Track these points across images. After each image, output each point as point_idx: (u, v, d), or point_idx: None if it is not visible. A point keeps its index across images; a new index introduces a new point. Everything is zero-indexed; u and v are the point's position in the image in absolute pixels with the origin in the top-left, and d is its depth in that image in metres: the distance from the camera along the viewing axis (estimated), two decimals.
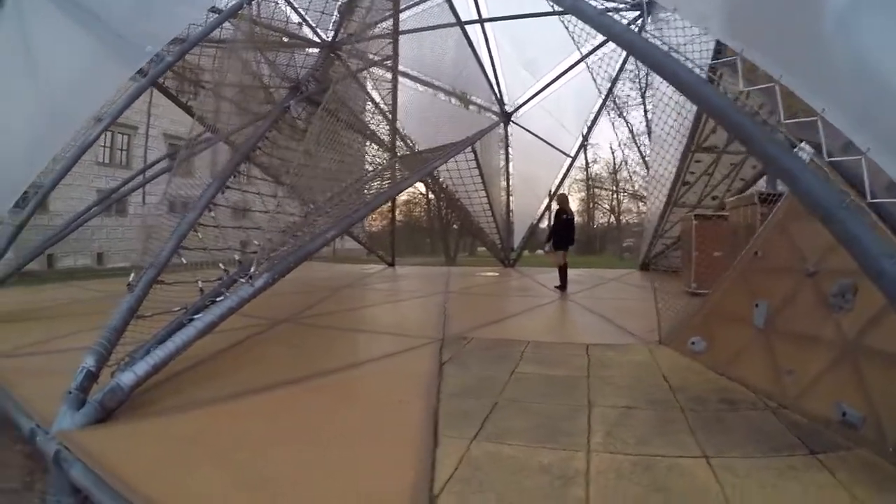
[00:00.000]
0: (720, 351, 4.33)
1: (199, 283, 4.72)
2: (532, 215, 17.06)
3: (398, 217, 25.94)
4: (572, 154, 16.77)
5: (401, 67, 13.91)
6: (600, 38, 11.81)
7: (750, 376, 3.82)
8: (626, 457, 2.68)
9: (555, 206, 10.44)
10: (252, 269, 4.62)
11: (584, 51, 12.95)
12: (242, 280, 4.64)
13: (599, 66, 13.37)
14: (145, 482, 2.44)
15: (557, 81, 15.35)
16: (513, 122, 16.15)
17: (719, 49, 5.10)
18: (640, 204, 28.26)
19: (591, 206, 35.92)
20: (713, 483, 2.37)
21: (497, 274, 14.42)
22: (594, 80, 13.78)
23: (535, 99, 15.77)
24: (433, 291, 10.16)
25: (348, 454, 2.83)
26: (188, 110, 11.31)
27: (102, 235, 19.07)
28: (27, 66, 5.95)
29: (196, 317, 4.15)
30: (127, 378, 3.43)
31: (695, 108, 9.16)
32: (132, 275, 4.24)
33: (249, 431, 3.20)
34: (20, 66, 6.00)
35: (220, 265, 5.20)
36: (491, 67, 15.45)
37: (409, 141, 14.55)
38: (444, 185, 15.02)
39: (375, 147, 12.41)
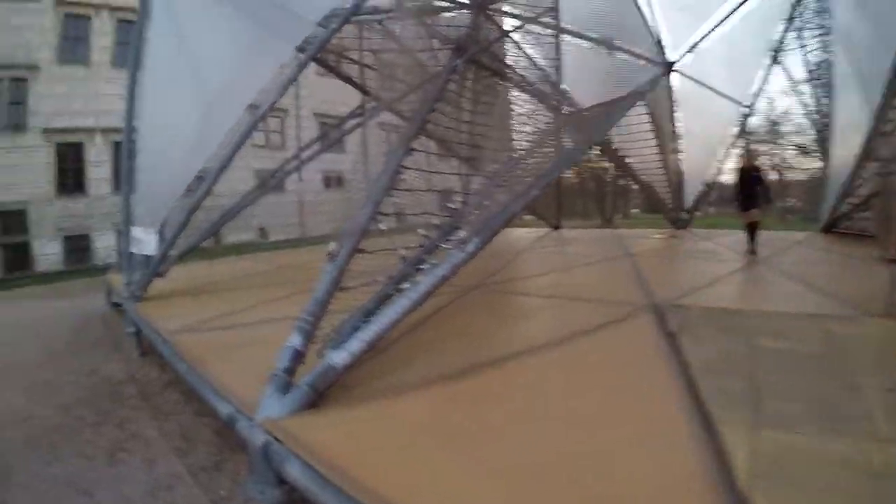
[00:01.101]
0: None
1: (401, 250, 4.18)
2: (703, 172, 15.27)
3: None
4: (748, 103, 14.67)
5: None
6: None
7: None
8: None
9: (740, 163, 9.55)
10: (463, 234, 4.06)
11: None
12: (448, 246, 4.16)
13: None
14: (374, 477, 2.06)
15: (724, 23, 13.36)
16: (676, 70, 14.35)
17: None
18: (806, 159, 24.70)
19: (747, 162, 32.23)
20: None
21: (672, 236, 13.19)
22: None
23: (699, 45, 13.79)
24: (613, 255, 9.36)
25: (607, 438, 2.40)
26: (352, 83, 11.01)
27: (263, 211, 19.67)
28: (183, 56, 5.91)
29: (404, 286, 3.63)
30: (339, 357, 2.86)
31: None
32: (332, 244, 3.63)
33: (479, 413, 2.76)
34: (177, 57, 5.96)
35: (420, 231, 4.67)
36: (649, 12, 13.73)
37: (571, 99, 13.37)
38: (611, 143, 13.80)
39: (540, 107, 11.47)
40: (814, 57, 16.53)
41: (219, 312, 5.08)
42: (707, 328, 4.23)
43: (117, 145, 17.92)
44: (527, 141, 8.45)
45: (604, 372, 3.38)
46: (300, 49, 7.32)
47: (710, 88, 14.40)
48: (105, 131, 18.16)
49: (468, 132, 6.52)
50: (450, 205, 5.37)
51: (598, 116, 9.59)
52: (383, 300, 3.57)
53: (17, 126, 16.89)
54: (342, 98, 25.09)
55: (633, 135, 13.47)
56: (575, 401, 2.86)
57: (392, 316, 3.20)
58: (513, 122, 9.28)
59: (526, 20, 10.78)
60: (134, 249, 5.49)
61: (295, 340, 2.88)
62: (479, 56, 9.21)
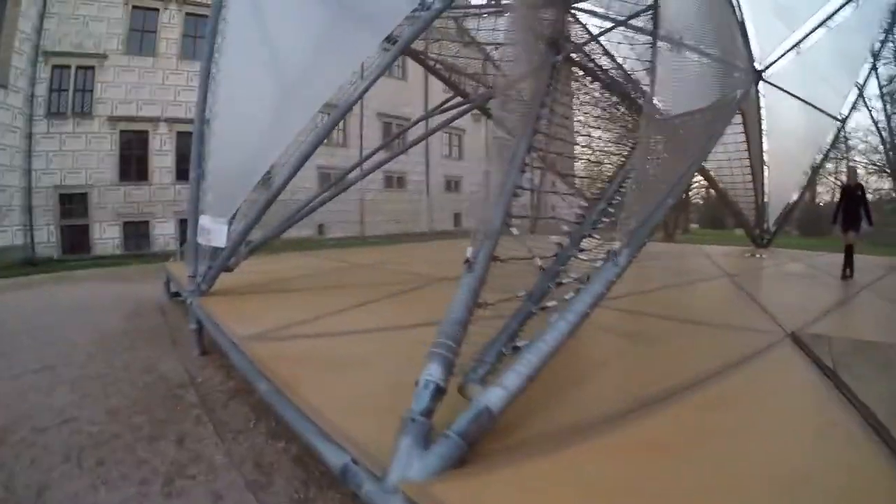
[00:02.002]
0: None
1: (538, 259, 3.48)
2: (787, 189, 14.32)
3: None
4: (841, 116, 13.59)
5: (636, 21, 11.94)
6: None
7: None
8: None
9: (843, 181, 8.99)
10: (616, 244, 3.23)
11: None
12: (583, 257, 3.64)
13: None
14: None
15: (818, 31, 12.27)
16: (764, 80, 13.27)
17: None
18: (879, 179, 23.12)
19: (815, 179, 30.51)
20: None
21: (756, 255, 12.38)
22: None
23: (790, 53, 12.78)
24: (709, 273, 8.75)
25: None
26: (443, 78, 10.42)
27: (323, 208, 19.58)
28: (261, 45, 5.41)
29: (548, 304, 2.98)
30: (496, 397, 2.07)
31: None
32: (469, 249, 2.87)
33: (671, 471, 2.03)
34: (254, 45, 5.45)
35: (553, 238, 3.99)
36: (738, 17, 12.77)
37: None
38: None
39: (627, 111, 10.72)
40: (887, 70, 15.31)
41: (295, 318, 4.27)
42: (866, 364, 3.58)
43: (181, 135, 18.09)
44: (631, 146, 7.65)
45: (775, 417, 2.71)
46: (390, 40, 6.89)
47: (801, 99, 13.36)
48: (170, 121, 18.34)
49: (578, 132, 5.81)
50: (579, 210, 4.59)
51: (705, 124, 8.82)
52: (525, 320, 2.81)
53: (83, 113, 17.14)
54: (405, 98, 25.17)
55: (727, 146, 12.59)
56: (763, 454, 2.18)
57: (552, 343, 2.41)
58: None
59: (619, 23, 9.95)
60: (202, 240, 4.84)
61: (433, 372, 2.09)
62: (574, 54, 8.54)
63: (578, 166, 6.92)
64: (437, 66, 9.96)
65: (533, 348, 2.35)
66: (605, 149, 7.19)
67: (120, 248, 17.49)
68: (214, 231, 4.78)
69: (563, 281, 3.35)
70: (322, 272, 7.04)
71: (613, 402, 2.68)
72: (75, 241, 16.84)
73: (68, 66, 17.10)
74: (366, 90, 5.30)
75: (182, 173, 18.18)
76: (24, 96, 15.99)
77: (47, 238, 16.43)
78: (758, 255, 12.30)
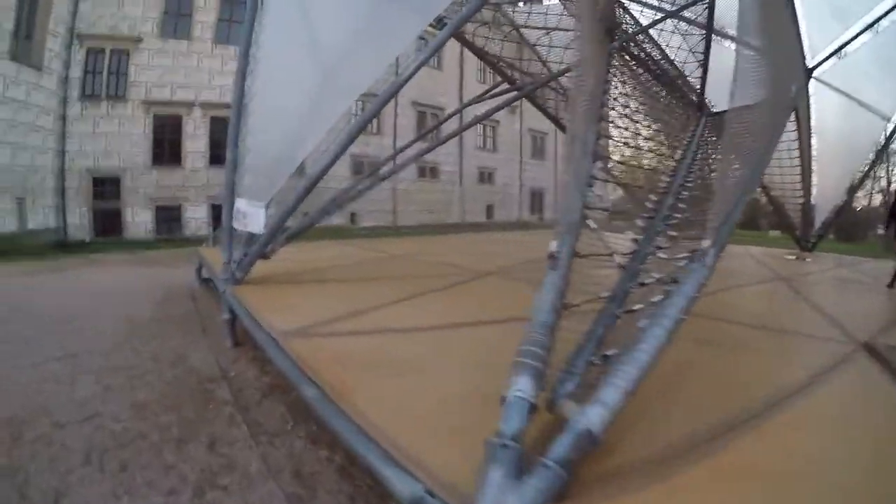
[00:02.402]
0: None
1: (617, 256, 3.13)
2: (835, 192, 13.57)
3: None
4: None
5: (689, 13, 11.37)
6: None
7: None
8: None
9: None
10: (703, 243, 2.90)
11: None
12: (663, 255, 3.20)
13: None
14: None
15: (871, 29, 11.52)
16: (814, 78, 12.60)
17: None
18: None
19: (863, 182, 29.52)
20: None
21: (801, 259, 11.76)
22: None
23: (842, 51, 12.03)
24: (762, 276, 8.35)
25: None
26: (491, 64, 10.00)
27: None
28: (304, 31, 5.08)
29: (634, 308, 2.56)
30: (597, 416, 1.69)
31: None
32: (553, 242, 2.48)
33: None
34: (296, 32, 5.13)
35: (629, 234, 3.64)
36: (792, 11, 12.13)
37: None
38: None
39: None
40: None
41: (337, 312, 3.86)
42: None
43: (214, 120, 18.03)
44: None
45: (870, 437, 2.36)
46: (439, 23, 6.72)
47: (853, 98, 12.66)
48: (203, 106, 18.27)
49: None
50: (650, 204, 4.20)
51: (771, 118, 8.35)
52: (610, 325, 2.43)
53: (117, 96, 17.16)
54: (441, 88, 24.80)
55: (779, 144, 12.09)
56: (866, 480, 1.93)
57: (650, 352, 2.02)
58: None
59: (670, 14, 9.44)
60: (237, 225, 4.51)
61: (524, 387, 1.70)
62: (628, 43, 8.12)
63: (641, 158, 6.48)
64: (485, 50, 9.52)
65: (630, 358, 1.97)
66: (664, 140, 6.74)
67: (152, 233, 17.55)
68: (251, 215, 4.46)
69: (646, 281, 2.95)
70: (359, 262, 6.69)
71: (704, 418, 2.30)
72: (107, 225, 16.91)
73: (103, 49, 17.13)
74: (416, 70, 4.91)
75: (215, 158, 18.15)
76: (58, 79, 16.00)
77: (79, 221, 16.50)
78: (804, 259, 11.71)
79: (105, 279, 8.28)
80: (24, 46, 14.43)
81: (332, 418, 2.04)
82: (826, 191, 13.56)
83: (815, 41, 12.58)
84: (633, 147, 5.39)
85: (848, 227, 27.28)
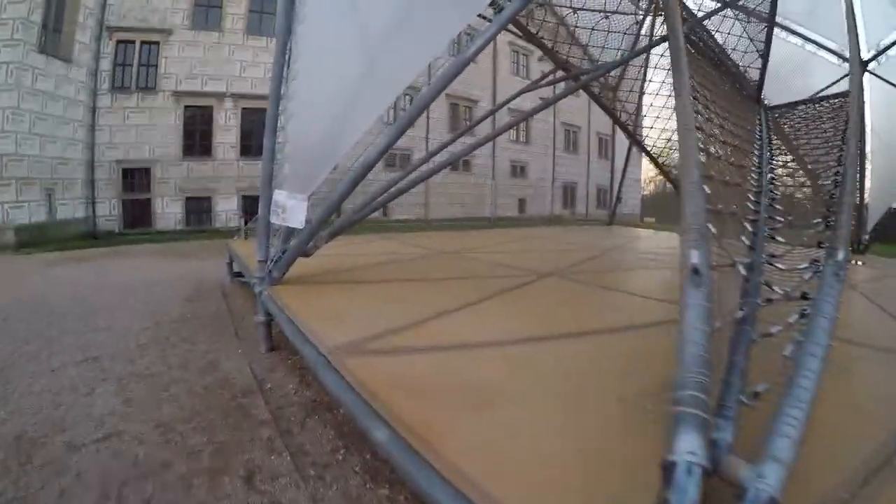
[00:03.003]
0: None
1: (740, 267, 2.57)
2: (889, 193, 12.48)
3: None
4: None
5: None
6: None
7: None
8: None
9: None
10: (841, 255, 2.61)
11: None
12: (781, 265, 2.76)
13: None
14: None
15: None
16: (869, 72, 11.83)
17: None
18: None
19: None
20: None
21: (856, 263, 10.68)
22: None
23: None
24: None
25: None
26: (547, 50, 9.54)
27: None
28: (349, 16, 4.40)
29: (772, 330, 2.11)
30: (775, 480, 1.24)
31: None
32: (694, 253, 1.97)
33: None
34: (341, 17, 4.45)
35: (744, 240, 3.04)
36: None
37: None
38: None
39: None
40: None
41: (393, 321, 3.13)
42: None
43: (246, 111, 17.88)
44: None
45: None
46: (493, 6, 6.51)
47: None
48: (235, 97, 18.06)
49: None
50: (750, 205, 3.66)
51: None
52: (746, 352, 1.91)
53: (148, 87, 17.05)
54: (473, 80, 24.24)
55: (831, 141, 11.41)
56: None
57: (809, 388, 1.54)
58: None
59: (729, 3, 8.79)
60: (275, 219, 4.04)
61: (694, 447, 1.20)
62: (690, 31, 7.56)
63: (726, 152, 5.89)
64: (540, 34, 8.97)
65: (793, 398, 1.49)
66: (741, 134, 6.14)
67: (181, 224, 17.45)
68: (291, 209, 3.98)
69: (772, 297, 2.41)
70: (401, 259, 6.15)
71: (862, 463, 1.75)
72: (137, 216, 16.83)
73: (133, 42, 17.02)
74: (479, 51, 4.40)
75: (246, 149, 18.01)
76: (87, 71, 15.89)
77: (109, 212, 16.41)
78: (857, 263, 10.90)
79: (133, 272, 7.94)
80: (53, 39, 14.29)
81: (414, 470, 1.55)
82: (879, 192, 12.79)
83: (872, 32, 11.87)
84: (720, 141, 4.81)
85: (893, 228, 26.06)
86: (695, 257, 1.84)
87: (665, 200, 34.13)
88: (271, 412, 3.02)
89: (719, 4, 8.56)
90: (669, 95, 11.50)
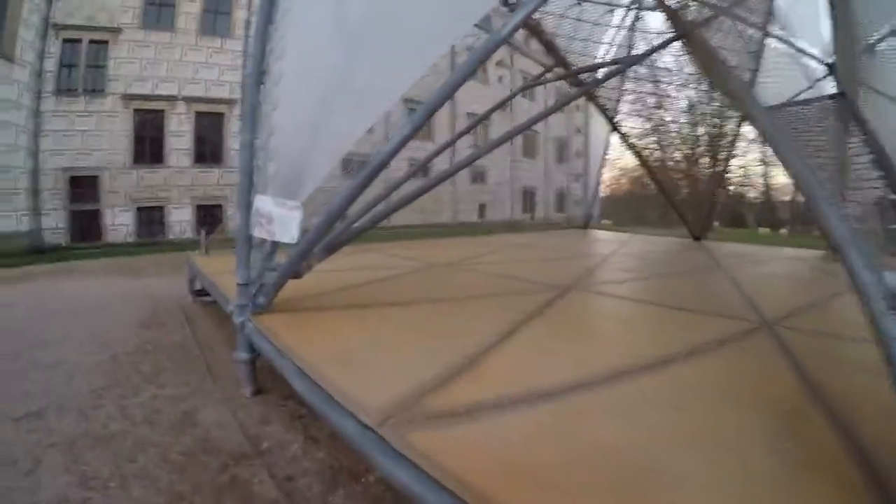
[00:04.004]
0: None
1: None
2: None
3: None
4: None
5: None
6: None
7: None
8: None
9: None
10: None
11: None
12: None
13: None
14: None
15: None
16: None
17: None
18: None
19: None
20: None
21: None
22: None
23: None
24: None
25: None
26: (548, 45, 9.28)
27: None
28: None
29: None
30: None
31: None
32: (889, 275, 1.37)
33: None
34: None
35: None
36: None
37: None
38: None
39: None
40: None
41: (432, 365, 2.29)
42: None
43: (199, 116, 16.98)
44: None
45: None
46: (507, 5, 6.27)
47: (885, 95, 11.80)
48: (188, 100, 17.05)
49: None
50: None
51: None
52: None
53: (95, 90, 15.98)
54: (434, 84, 23.69)
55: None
56: None
57: None
58: None
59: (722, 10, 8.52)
60: (260, 232, 3.30)
61: None
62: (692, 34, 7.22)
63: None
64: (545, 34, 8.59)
65: None
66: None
67: (133, 235, 16.43)
68: (280, 219, 3.25)
69: None
70: (395, 275, 5.25)
71: None
72: (85, 228, 15.72)
73: (80, 40, 15.91)
74: (496, 48, 3.76)
75: (200, 156, 17.14)
76: (31, 71, 14.73)
77: (55, 224, 15.27)
78: None
79: (82, 293, 7.02)
80: None
81: None
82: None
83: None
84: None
85: None
86: (891, 279, 1.32)
87: (620, 204, 34.53)
88: (279, 487, 2.28)
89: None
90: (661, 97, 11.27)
